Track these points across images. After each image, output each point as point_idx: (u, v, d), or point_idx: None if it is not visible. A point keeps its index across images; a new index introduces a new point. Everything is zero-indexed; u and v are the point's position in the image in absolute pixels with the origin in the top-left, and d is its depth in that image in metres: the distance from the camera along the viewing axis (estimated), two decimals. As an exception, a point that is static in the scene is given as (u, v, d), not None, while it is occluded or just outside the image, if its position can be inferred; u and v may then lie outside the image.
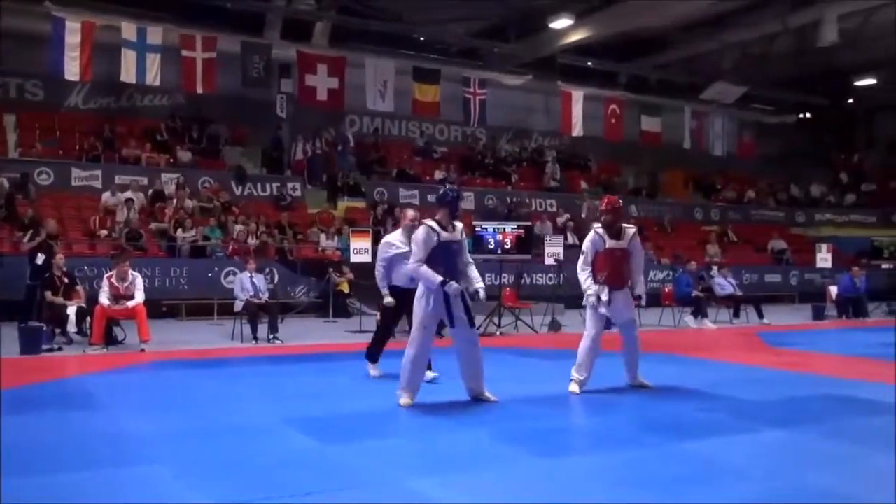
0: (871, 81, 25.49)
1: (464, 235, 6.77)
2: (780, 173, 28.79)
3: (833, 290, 17.52)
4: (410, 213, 8.12)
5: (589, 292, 7.27)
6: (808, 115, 29.00)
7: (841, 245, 22.24)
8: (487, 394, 6.72)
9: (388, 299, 7.91)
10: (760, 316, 15.46)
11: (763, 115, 28.19)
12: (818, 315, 16.95)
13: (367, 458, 5.01)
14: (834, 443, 5.53)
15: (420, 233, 6.49)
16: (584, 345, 7.29)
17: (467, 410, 6.45)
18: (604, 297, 7.19)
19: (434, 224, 6.49)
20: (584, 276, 7.35)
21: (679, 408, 6.72)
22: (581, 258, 7.42)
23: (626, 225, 7.42)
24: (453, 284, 6.32)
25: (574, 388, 7.22)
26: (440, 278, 6.29)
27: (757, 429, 5.90)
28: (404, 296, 7.41)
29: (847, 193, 28.30)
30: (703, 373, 8.12)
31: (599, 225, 7.43)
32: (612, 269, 7.26)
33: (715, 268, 17.03)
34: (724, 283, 16.03)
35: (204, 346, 10.97)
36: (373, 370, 8.31)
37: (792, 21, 19.81)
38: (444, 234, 6.46)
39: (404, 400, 6.49)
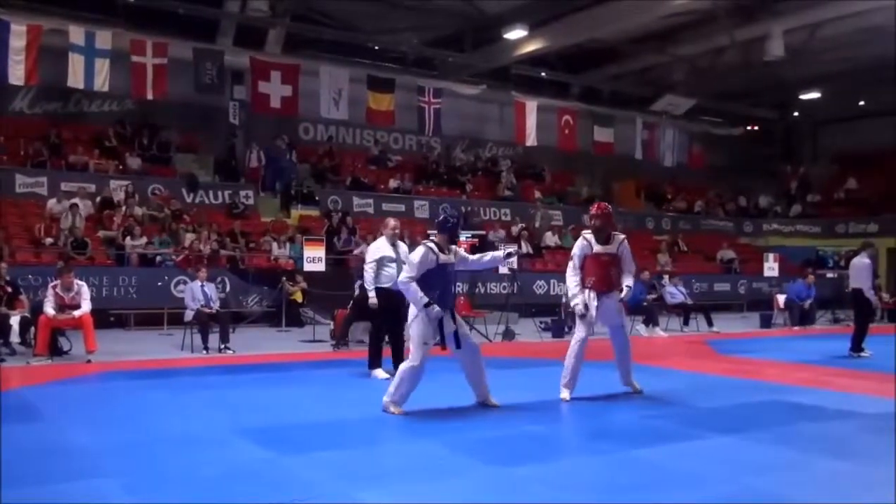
0: (815, 95, 26.17)
1: (458, 258, 6.97)
2: (729, 184, 29.38)
3: (780, 298, 17.91)
4: (392, 222, 8.90)
5: (575, 301, 7.37)
6: (755, 127, 29.66)
7: (787, 254, 22.81)
8: (492, 400, 6.95)
9: (374, 300, 8.49)
10: (710, 324, 15.74)
11: (712, 127, 28.75)
12: (766, 323, 17.32)
13: (319, 469, 4.96)
14: (781, 449, 5.63)
15: (419, 252, 6.63)
16: (571, 349, 7.40)
17: (419, 420, 6.44)
18: (592, 306, 7.28)
19: (433, 246, 6.65)
20: (572, 282, 7.45)
21: (629, 415, 6.80)
22: (570, 263, 7.52)
23: (615, 231, 7.56)
24: (435, 308, 6.46)
25: (565, 394, 7.33)
26: (426, 300, 6.45)
27: (706, 436, 5.99)
28: (388, 296, 8.22)
29: (793, 204, 28.97)
30: (654, 380, 8.22)
31: (588, 230, 7.55)
32: (600, 274, 7.35)
33: (666, 277, 17.29)
34: (674, 292, 16.27)
35: (153, 356, 10.76)
36: (380, 374, 8.63)
37: (739, 35, 20.25)
38: (442, 257, 6.64)
39: (394, 409, 6.57)
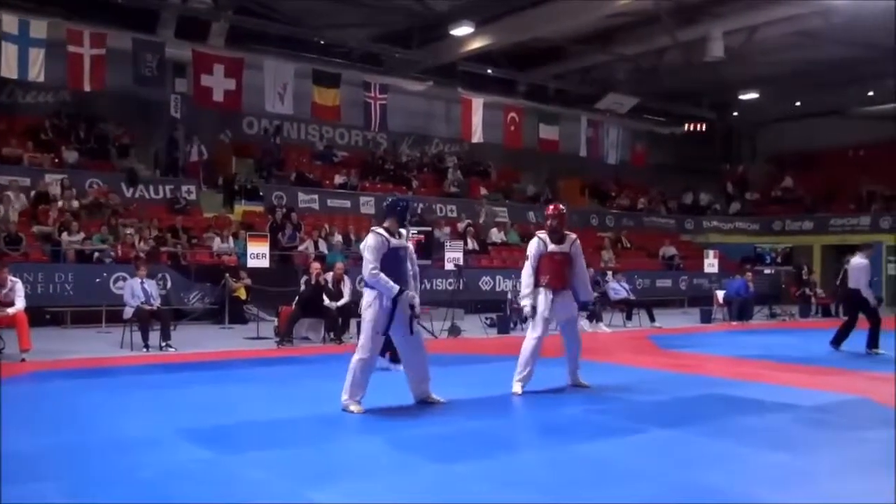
0: (754, 96, 26.83)
1: (410, 243, 6.98)
2: (671, 182, 29.92)
3: (720, 294, 18.32)
4: None
5: (523, 303, 7.51)
6: (696, 126, 30.24)
7: (727, 251, 23.33)
8: (434, 396, 6.90)
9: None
10: (652, 319, 16.02)
11: (655, 126, 29.23)
12: (706, 318, 17.69)
13: (262, 468, 4.89)
14: (721, 442, 5.75)
15: (371, 240, 6.59)
16: (526, 345, 7.49)
17: (363, 418, 6.39)
18: (547, 304, 7.38)
19: (383, 231, 6.62)
20: (524, 281, 7.58)
21: (573, 410, 6.87)
22: (526, 263, 7.63)
23: (567, 231, 7.71)
24: (409, 293, 6.47)
25: (517, 388, 7.41)
26: (398, 287, 6.42)
27: (647, 429, 6.09)
28: None
29: (732, 202, 29.69)
30: (598, 375, 8.32)
31: (543, 230, 7.69)
32: (554, 273, 7.51)
33: (609, 273, 17.53)
34: (617, 288, 16.51)
35: (91, 354, 10.50)
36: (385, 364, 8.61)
37: (681, 36, 20.59)
38: (394, 241, 6.60)
39: (354, 407, 6.48)
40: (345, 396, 6.54)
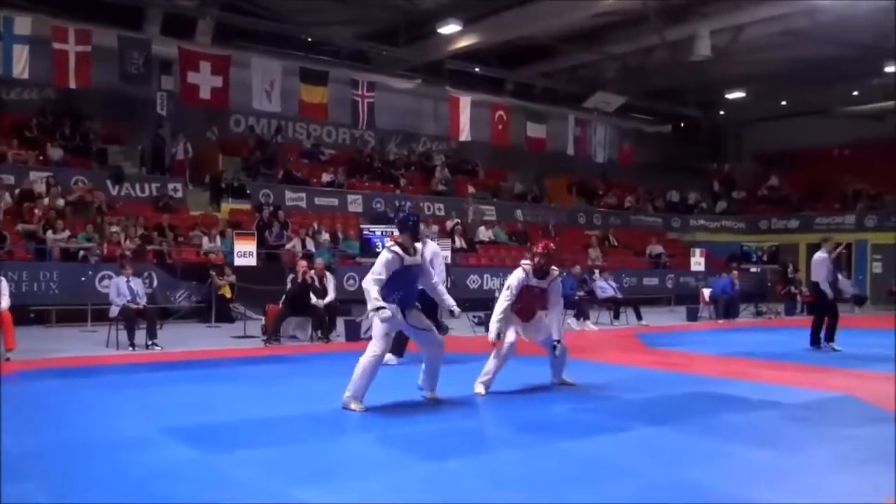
0: (740, 95, 26.96)
1: (425, 257, 7.09)
2: (658, 181, 30.03)
3: (706, 292, 18.40)
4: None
5: (491, 330, 7.50)
6: (683, 125, 30.36)
7: (713, 250, 23.45)
8: (435, 393, 7.03)
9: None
10: (639, 317, 16.08)
11: (642, 125, 29.34)
12: (692, 316, 17.77)
13: (250, 467, 4.87)
14: (707, 439, 5.78)
15: (385, 256, 6.65)
16: (490, 362, 7.52)
17: (350, 416, 6.38)
18: (509, 338, 7.41)
19: (399, 249, 6.67)
20: (499, 308, 7.51)
21: (561, 408, 6.88)
22: (506, 291, 7.62)
23: (553, 268, 7.72)
24: (384, 313, 6.46)
25: (480, 389, 7.44)
26: (377, 304, 6.46)
27: (634, 427, 6.11)
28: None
29: (719, 201, 29.83)
30: (585, 373, 8.34)
31: (528, 262, 7.70)
32: (526, 304, 7.59)
33: (596, 271, 17.58)
34: (604, 286, 16.56)
35: (76, 354, 10.42)
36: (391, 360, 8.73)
37: (668, 35, 20.67)
38: (407, 259, 6.68)
39: (356, 405, 6.48)
40: (347, 394, 6.52)
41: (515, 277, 7.60)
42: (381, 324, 6.56)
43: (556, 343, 7.59)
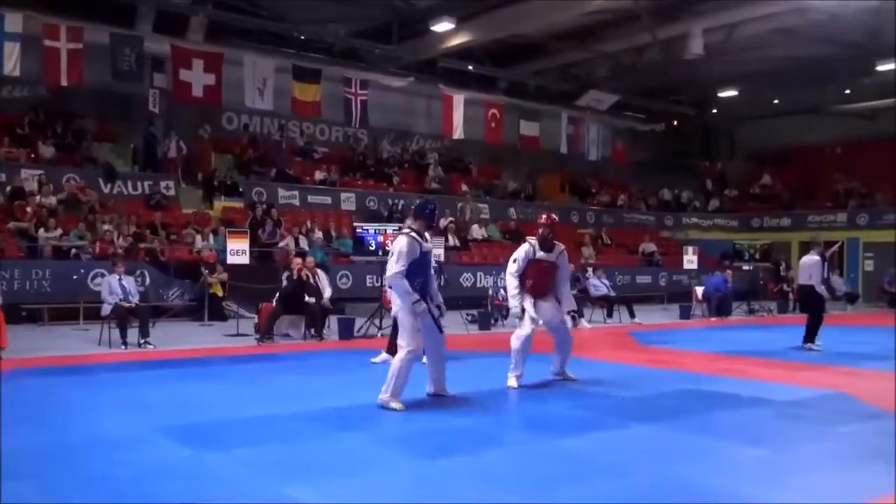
0: (733, 93, 27.01)
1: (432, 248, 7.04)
2: (651, 179, 30.07)
3: (699, 290, 18.44)
4: None
5: (513, 304, 7.55)
6: (676, 123, 30.41)
7: (706, 248, 23.50)
8: (445, 389, 7.03)
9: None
10: (632, 315, 16.10)
11: (635, 123, 29.34)
12: (685, 314, 17.81)
13: (243, 466, 4.87)
14: (700, 437, 5.80)
15: (404, 243, 6.51)
16: (514, 345, 7.55)
17: (343, 415, 6.39)
18: (529, 311, 7.45)
19: (416, 235, 6.58)
20: (511, 283, 7.59)
21: (553, 406, 6.89)
22: (513, 264, 7.64)
23: (557, 242, 7.78)
24: (422, 305, 6.46)
25: (512, 382, 7.53)
26: (416, 296, 6.41)
27: (627, 425, 6.12)
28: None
29: (711, 199, 29.90)
30: (578, 371, 8.35)
31: (533, 237, 7.75)
32: (538, 280, 7.60)
33: (590, 269, 17.59)
34: (598, 284, 16.58)
35: (68, 352, 10.39)
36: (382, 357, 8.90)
37: (661, 33, 20.68)
38: (425, 245, 6.61)
39: (396, 404, 6.47)
40: (385, 395, 6.49)
41: (521, 251, 7.67)
42: (409, 318, 6.48)
43: (571, 313, 7.64)
